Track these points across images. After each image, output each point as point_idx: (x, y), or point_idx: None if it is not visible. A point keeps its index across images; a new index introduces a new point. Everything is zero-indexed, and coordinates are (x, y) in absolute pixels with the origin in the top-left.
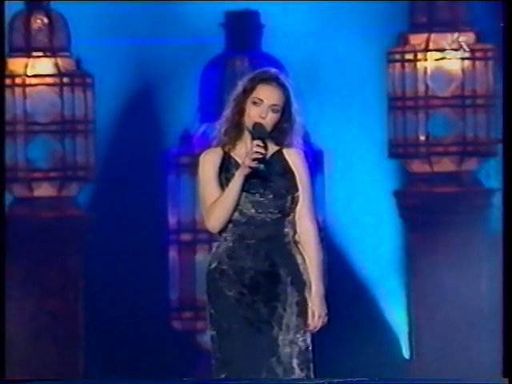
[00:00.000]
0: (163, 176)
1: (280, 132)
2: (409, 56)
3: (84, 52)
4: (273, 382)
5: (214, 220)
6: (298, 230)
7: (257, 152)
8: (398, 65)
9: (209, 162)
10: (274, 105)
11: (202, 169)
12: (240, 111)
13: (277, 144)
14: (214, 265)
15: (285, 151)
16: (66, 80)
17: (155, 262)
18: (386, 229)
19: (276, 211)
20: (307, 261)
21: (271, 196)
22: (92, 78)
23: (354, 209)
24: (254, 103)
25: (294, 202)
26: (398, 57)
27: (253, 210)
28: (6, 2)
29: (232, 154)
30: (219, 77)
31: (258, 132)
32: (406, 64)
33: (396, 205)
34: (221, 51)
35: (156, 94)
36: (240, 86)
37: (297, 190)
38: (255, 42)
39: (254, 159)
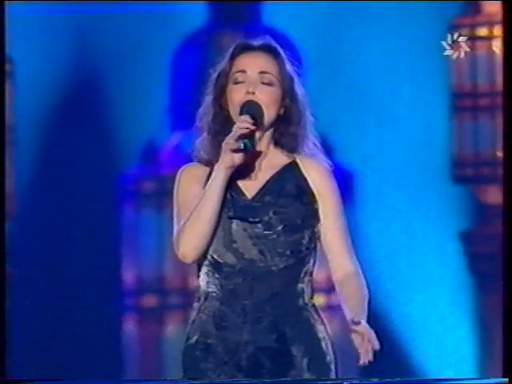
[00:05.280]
0: (116, 209)
1: (286, 121)
2: (481, 31)
3: None
4: (273, 382)
5: (185, 240)
6: (336, 275)
7: (242, 128)
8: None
9: (190, 178)
10: (263, 72)
11: (179, 186)
12: (220, 104)
13: (289, 151)
14: (194, 338)
15: (300, 163)
16: None
17: (103, 339)
18: (449, 287)
19: (288, 252)
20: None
21: (280, 227)
22: (10, 64)
23: (401, 257)
24: (236, 82)
25: (314, 239)
26: (465, 32)
27: (254, 251)
28: (6, 2)
29: None
30: (200, 61)
31: (247, 109)
32: (477, 43)
33: (463, 252)
34: (202, 23)
35: (106, 87)
36: (215, 70)
37: (318, 220)
38: (252, 11)
39: (239, 137)
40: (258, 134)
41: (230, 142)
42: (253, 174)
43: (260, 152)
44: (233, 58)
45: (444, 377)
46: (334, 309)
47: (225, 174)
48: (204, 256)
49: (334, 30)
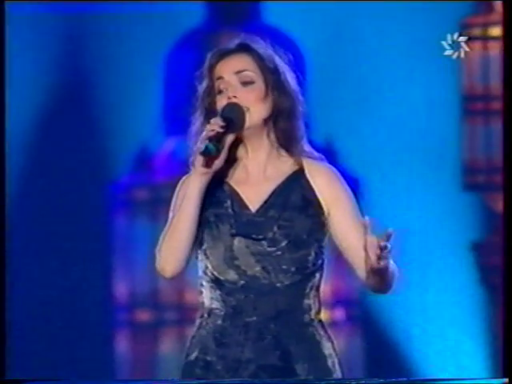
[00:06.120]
0: (107, 220)
1: (280, 115)
2: (493, 30)
3: None
4: (273, 382)
5: (163, 252)
6: (359, 272)
7: (208, 130)
8: (476, 44)
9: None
10: (239, 72)
11: (177, 196)
12: (212, 117)
13: (290, 147)
14: (193, 355)
15: (306, 170)
16: None
17: (94, 356)
18: (459, 301)
19: (293, 269)
20: None
21: (285, 243)
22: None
23: (411, 270)
24: (219, 92)
25: (321, 254)
26: (476, 32)
27: (257, 267)
28: (6, 2)
29: (224, 178)
30: (197, 63)
31: (225, 112)
32: (490, 43)
33: (475, 263)
34: (199, 23)
35: (99, 91)
36: (201, 88)
37: (325, 234)
38: (252, 10)
39: (207, 138)
40: (256, 140)
41: (199, 146)
42: (257, 185)
43: (264, 159)
44: (210, 68)
45: (444, 377)
46: (339, 325)
47: (199, 182)
48: (204, 272)
49: (339, 31)
